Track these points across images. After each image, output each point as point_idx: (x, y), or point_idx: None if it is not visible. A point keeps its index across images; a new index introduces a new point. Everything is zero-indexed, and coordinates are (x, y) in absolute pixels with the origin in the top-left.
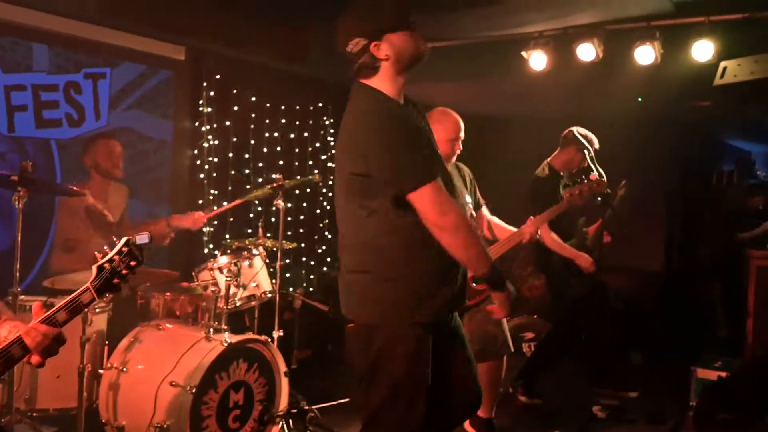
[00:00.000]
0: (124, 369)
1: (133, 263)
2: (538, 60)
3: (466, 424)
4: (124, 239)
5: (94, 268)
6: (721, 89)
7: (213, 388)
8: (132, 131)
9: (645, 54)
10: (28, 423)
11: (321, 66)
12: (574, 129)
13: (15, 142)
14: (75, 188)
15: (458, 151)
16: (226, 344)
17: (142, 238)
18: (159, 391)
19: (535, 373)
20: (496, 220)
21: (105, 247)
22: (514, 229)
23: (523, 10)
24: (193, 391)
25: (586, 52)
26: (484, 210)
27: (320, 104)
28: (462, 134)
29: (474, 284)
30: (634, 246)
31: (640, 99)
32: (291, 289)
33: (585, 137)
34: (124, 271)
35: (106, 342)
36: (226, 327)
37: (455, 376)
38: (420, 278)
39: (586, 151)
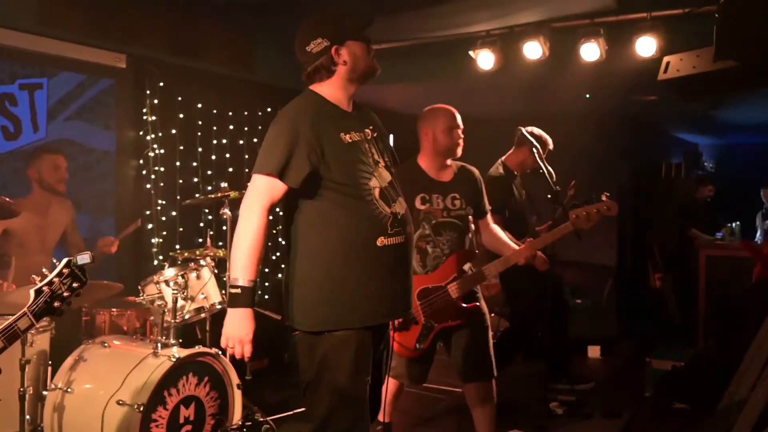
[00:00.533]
0: (69, 389)
1: (75, 284)
2: (485, 59)
3: None
4: (65, 260)
5: (32, 291)
6: (666, 83)
7: (162, 404)
8: (73, 143)
9: (590, 51)
10: None
11: (268, 71)
12: (526, 129)
13: None
14: (9, 201)
15: (460, 142)
16: (174, 359)
17: (83, 258)
18: (106, 411)
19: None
20: (499, 232)
21: (44, 270)
22: (514, 245)
23: (468, 10)
24: (141, 409)
25: (533, 50)
26: (489, 218)
27: (269, 109)
28: (459, 122)
29: (463, 304)
30: (587, 241)
31: (588, 95)
32: None
33: (538, 137)
34: (66, 293)
35: (50, 362)
36: (174, 341)
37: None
38: (341, 283)
39: (535, 150)
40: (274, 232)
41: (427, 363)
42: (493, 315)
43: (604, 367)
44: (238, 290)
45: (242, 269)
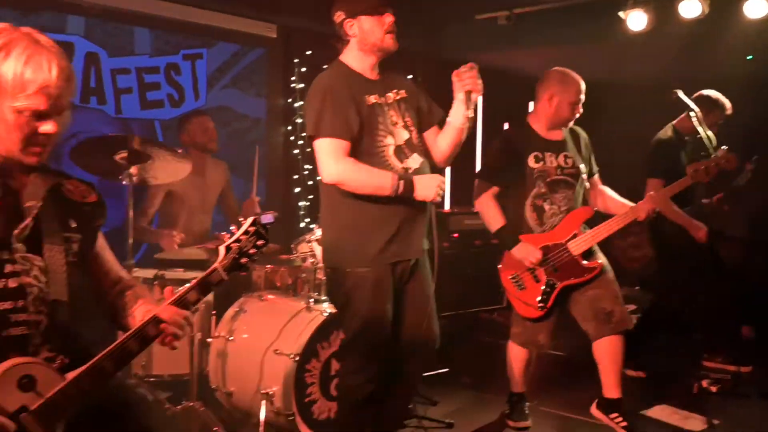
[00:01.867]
0: (231, 338)
1: (260, 242)
2: (636, 20)
3: (593, 408)
4: (250, 219)
5: (222, 248)
6: None
7: (315, 356)
8: (228, 110)
9: (756, 6)
10: (145, 388)
11: (410, 38)
12: (703, 92)
13: (122, 124)
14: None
15: (578, 115)
16: (326, 314)
17: (267, 218)
18: (264, 359)
19: (639, 345)
20: (609, 191)
21: (232, 228)
22: (629, 203)
23: None
24: (297, 359)
25: (690, 8)
26: (597, 179)
27: (409, 76)
28: (582, 97)
29: (584, 261)
30: (751, 216)
31: (750, 57)
32: None
33: (706, 99)
34: (251, 251)
35: (213, 312)
36: (325, 298)
37: (407, 323)
38: (359, 226)
39: (692, 114)
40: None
41: (551, 325)
42: (637, 289)
43: (760, 347)
44: (401, 184)
45: (384, 176)
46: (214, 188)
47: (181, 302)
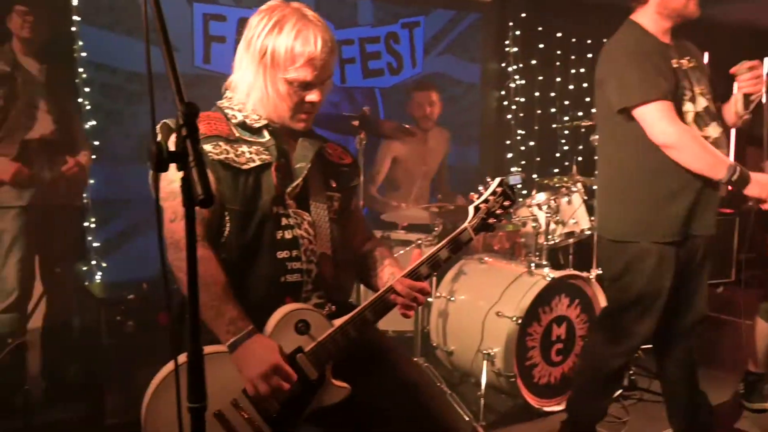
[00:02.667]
0: (452, 298)
1: (506, 203)
2: None
3: None
4: (497, 180)
5: (471, 208)
6: None
7: (536, 320)
8: (444, 76)
9: None
10: None
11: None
12: None
13: (346, 92)
14: (407, 127)
15: None
16: (549, 279)
17: (515, 178)
18: (486, 320)
19: None
20: None
21: (480, 188)
22: None
23: None
24: (519, 322)
25: None
26: None
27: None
28: None
29: None
30: None
31: None
32: None
33: None
34: (498, 211)
35: (434, 273)
36: (546, 262)
37: (683, 294)
38: (650, 199)
39: None
40: None
41: None
42: None
43: None
44: (738, 170)
45: (721, 156)
46: (435, 155)
47: (431, 262)
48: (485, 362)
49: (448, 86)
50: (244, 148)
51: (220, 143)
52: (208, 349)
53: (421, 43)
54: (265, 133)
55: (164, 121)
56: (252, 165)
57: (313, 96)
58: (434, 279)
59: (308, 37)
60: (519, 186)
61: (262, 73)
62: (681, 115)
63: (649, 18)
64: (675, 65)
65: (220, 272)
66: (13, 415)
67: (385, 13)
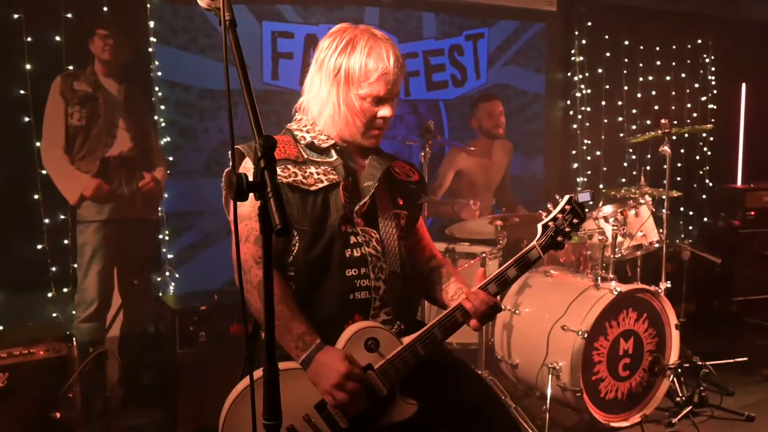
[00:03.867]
0: (517, 311)
1: (576, 221)
2: None
3: None
4: (566, 197)
5: (540, 226)
6: None
7: (603, 335)
8: (508, 87)
9: None
10: None
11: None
12: None
13: (410, 105)
14: (468, 147)
15: None
16: (615, 293)
17: (584, 196)
18: (551, 334)
19: None
20: None
21: (549, 205)
22: None
23: None
24: (585, 336)
25: None
26: None
27: (699, 41)
28: None
29: None
30: None
31: None
32: (677, 240)
33: None
34: (567, 229)
35: (502, 291)
36: (613, 276)
37: None
38: None
39: None
40: (701, 173)
41: None
42: None
43: None
44: None
45: None
46: (498, 168)
47: (500, 280)
48: (551, 376)
49: (512, 97)
50: (312, 169)
51: (289, 166)
52: (281, 365)
53: (485, 55)
54: (333, 152)
55: (237, 146)
56: (320, 186)
57: (385, 111)
58: None
59: (381, 53)
60: (590, 203)
61: (335, 91)
62: None
63: None
64: None
65: (285, 291)
66: (94, 420)
67: (449, 25)
